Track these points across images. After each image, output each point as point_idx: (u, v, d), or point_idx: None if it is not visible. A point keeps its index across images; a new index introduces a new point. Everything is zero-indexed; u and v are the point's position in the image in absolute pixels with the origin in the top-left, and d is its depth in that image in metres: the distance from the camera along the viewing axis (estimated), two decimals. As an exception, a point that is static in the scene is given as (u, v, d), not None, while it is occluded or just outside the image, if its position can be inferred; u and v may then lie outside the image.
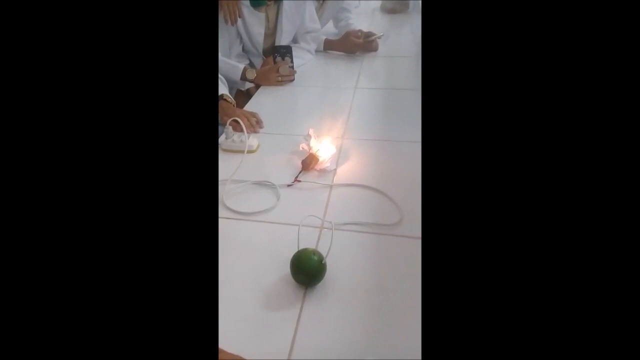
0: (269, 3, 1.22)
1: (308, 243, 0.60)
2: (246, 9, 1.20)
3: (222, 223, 0.67)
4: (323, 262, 0.53)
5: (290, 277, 0.55)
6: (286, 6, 1.25)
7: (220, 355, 0.45)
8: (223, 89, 1.04)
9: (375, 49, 1.39)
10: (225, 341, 0.46)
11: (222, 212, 0.69)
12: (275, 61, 1.19)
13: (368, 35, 1.38)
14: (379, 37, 1.38)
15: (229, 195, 0.72)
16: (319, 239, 0.63)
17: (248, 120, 0.92)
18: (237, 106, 1.02)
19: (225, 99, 1.00)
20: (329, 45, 1.40)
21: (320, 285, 0.54)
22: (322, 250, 0.57)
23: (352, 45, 1.37)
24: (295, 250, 0.56)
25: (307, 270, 0.53)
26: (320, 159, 0.79)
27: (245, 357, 0.44)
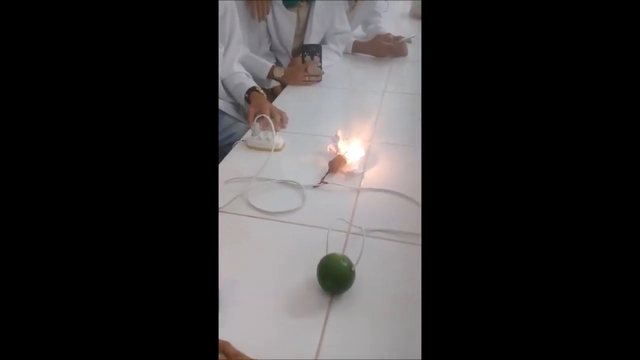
0: (301, 3, 1.21)
1: (334, 248, 0.57)
2: (278, 8, 1.19)
3: (246, 221, 0.65)
4: (352, 269, 0.51)
5: (315, 282, 0.52)
6: (317, 7, 1.24)
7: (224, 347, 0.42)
8: (252, 82, 1.03)
9: (404, 54, 1.36)
10: (248, 345, 0.44)
11: (246, 210, 0.67)
12: (304, 60, 1.17)
13: (398, 38, 1.35)
14: (409, 40, 1.35)
15: (253, 193, 0.70)
16: (345, 244, 0.60)
17: (274, 117, 0.91)
18: None
19: (257, 90, 0.99)
20: (358, 48, 1.38)
21: (346, 293, 0.51)
22: (349, 256, 0.54)
23: (382, 48, 1.35)
24: (321, 255, 0.53)
25: (335, 277, 0.50)
26: (348, 162, 0.77)
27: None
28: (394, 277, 0.55)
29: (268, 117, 0.83)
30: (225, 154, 0.85)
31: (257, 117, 0.84)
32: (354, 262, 0.52)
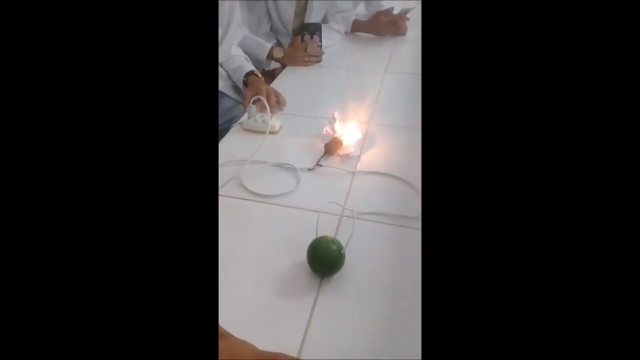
0: (300, -20, 1.17)
1: (327, 231, 0.57)
2: (277, -15, 1.16)
3: (239, 204, 0.65)
4: (342, 252, 0.50)
5: (306, 264, 0.52)
6: (318, -16, 1.20)
7: (229, 340, 0.43)
8: (250, 66, 1.02)
9: (403, 32, 1.32)
10: (235, 326, 0.44)
11: (240, 192, 0.67)
12: (303, 39, 1.14)
13: (398, 15, 1.31)
14: (408, 12, 1.30)
15: (247, 175, 0.70)
16: (338, 227, 0.60)
17: (269, 99, 0.89)
18: None
19: (255, 74, 0.98)
20: (358, 26, 1.34)
21: (336, 276, 0.51)
22: (341, 239, 0.54)
23: (381, 25, 1.30)
24: (312, 237, 0.53)
25: (324, 260, 0.50)
26: (344, 144, 0.75)
27: (254, 344, 0.42)
28: (385, 260, 0.55)
29: (264, 100, 0.81)
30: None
31: (253, 99, 0.83)
32: (344, 244, 0.52)
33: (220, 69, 1.03)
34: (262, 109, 0.84)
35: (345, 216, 0.61)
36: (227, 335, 0.43)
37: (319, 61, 1.16)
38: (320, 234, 0.54)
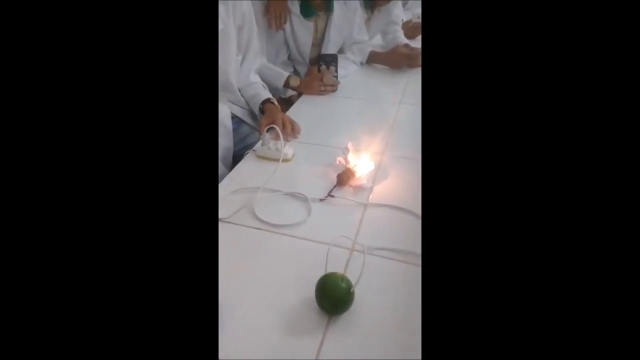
0: (319, 13, 1.21)
1: (336, 265, 0.56)
2: (296, 18, 1.20)
3: (249, 233, 0.65)
4: (351, 290, 0.49)
5: (314, 301, 0.51)
6: (335, 17, 1.24)
7: None
8: (267, 94, 1.04)
9: (419, 65, 1.34)
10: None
11: (250, 221, 0.67)
12: (319, 70, 1.17)
13: (415, 49, 1.33)
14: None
15: (259, 204, 0.70)
16: (348, 262, 0.58)
17: (285, 127, 0.90)
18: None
19: (272, 102, 1.00)
20: (375, 58, 1.37)
21: (345, 314, 0.50)
22: (351, 274, 0.53)
23: (399, 57, 1.33)
24: (322, 272, 0.52)
25: (333, 299, 0.49)
26: (357, 175, 0.75)
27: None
28: (395, 299, 0.53)
29: (277, 128, 0.82)
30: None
31: (267, 127, 0.84)
32: (354, 281, 0.50)
33: (240, 96, 1.06)
34: (276, 137, 0.85)
35: (356, 250, 0.60)
36: None
37: (334, 91, 1.18)
38: (329, 269, 0.53)
